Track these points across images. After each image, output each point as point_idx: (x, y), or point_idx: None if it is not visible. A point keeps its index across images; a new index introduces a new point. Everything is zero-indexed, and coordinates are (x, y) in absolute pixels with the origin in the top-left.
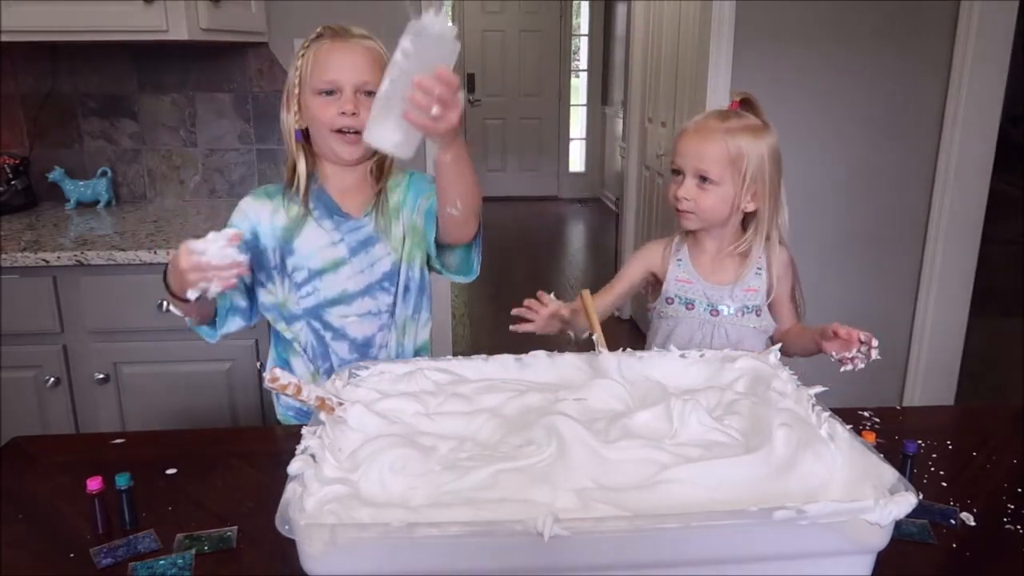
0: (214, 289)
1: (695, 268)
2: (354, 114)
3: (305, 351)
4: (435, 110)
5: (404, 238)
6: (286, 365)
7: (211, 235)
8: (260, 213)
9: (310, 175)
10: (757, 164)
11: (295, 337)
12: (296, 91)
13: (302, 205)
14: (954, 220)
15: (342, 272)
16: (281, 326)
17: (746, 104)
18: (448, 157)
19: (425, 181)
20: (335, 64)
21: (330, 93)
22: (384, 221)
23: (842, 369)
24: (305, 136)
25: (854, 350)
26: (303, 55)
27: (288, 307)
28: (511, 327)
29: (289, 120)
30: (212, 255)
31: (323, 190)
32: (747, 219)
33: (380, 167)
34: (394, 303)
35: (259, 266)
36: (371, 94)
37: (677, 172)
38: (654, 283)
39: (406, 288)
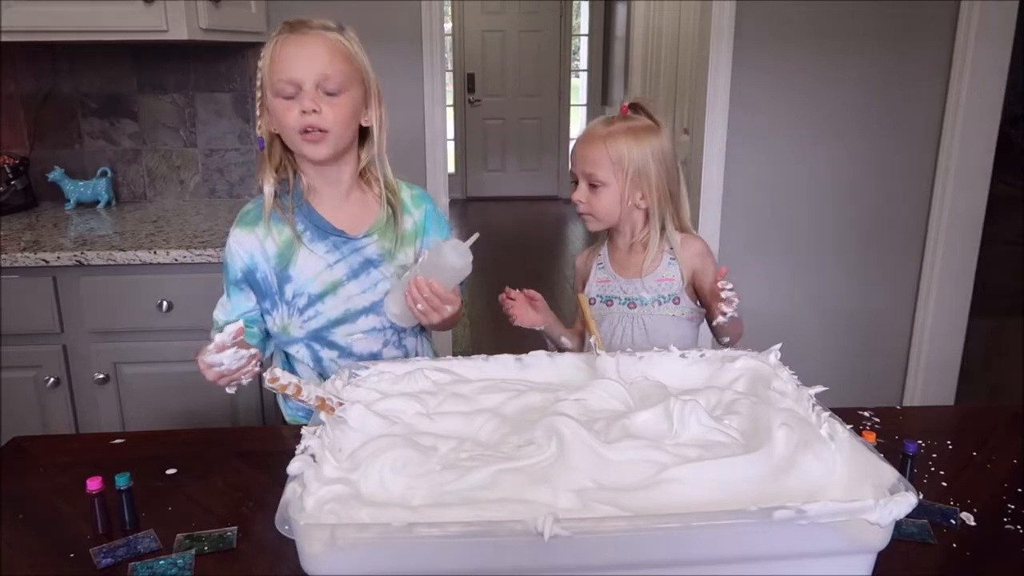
0: (245, 381)
1: (612, 266)
2: (315, 111)
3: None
4: (420, 306)
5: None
6: (293, 371)
7: (217, 338)
8: (250, 246)
9: (291, 185)
10: (639, 164)
11: (295, 357)
12: (259, 94)
13: (289, 228)
14: (954, 220)
15: (342, 293)
16: (283, 348)
17: (635, 108)
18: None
19: (443, 221)
20: (292, 61)
21: (290, 97)
22: (390, 244)
23: (715, 322)
24: (284, 143)
25: (723, 306)
26: (263, 55)
27: (289, 331)
28: (513, 322)
29: (260, 126)
30: (229, 363)
31: (310, 208)
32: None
33: (374, 176)
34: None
35: (261, 296)
36: (334, 93)
37: (574, 178)
38: None
39: None
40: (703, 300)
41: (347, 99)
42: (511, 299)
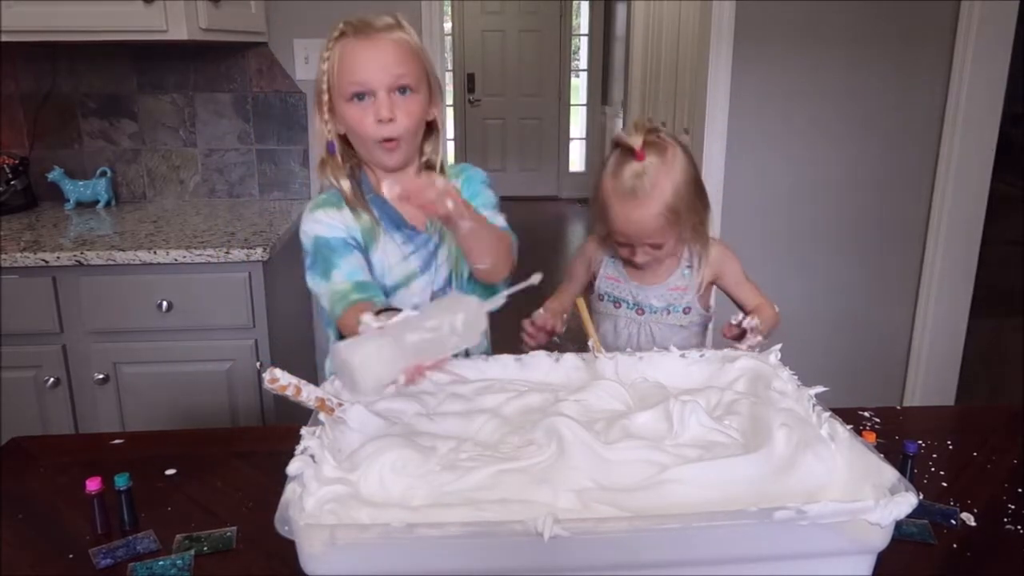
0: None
1: (626, 269)
2: (391, 120)
3: None
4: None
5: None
6: None
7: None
8: (340, 221)
9: (358, 182)
10: (688, 206)
11: None
12: (326, 97)
13: (368, 216)
14: (954, 220)
15: (414, 286)
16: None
17: (651, 135)
18: (463, 229)
19: (478, 182)
20: (362, 65)
21: (361, 97)
22: (438, 224)
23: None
24: (345, 141)
25: (746, 342)
26: (328, 57)
27: None
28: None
29: (322, 129)
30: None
31: (382, 199)
32: None
33: (429, 167)
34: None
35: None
36: (405, 90)
37: (623, 243)
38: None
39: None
40: (730, 297)
41: (418, 99)
42: (531, 334)
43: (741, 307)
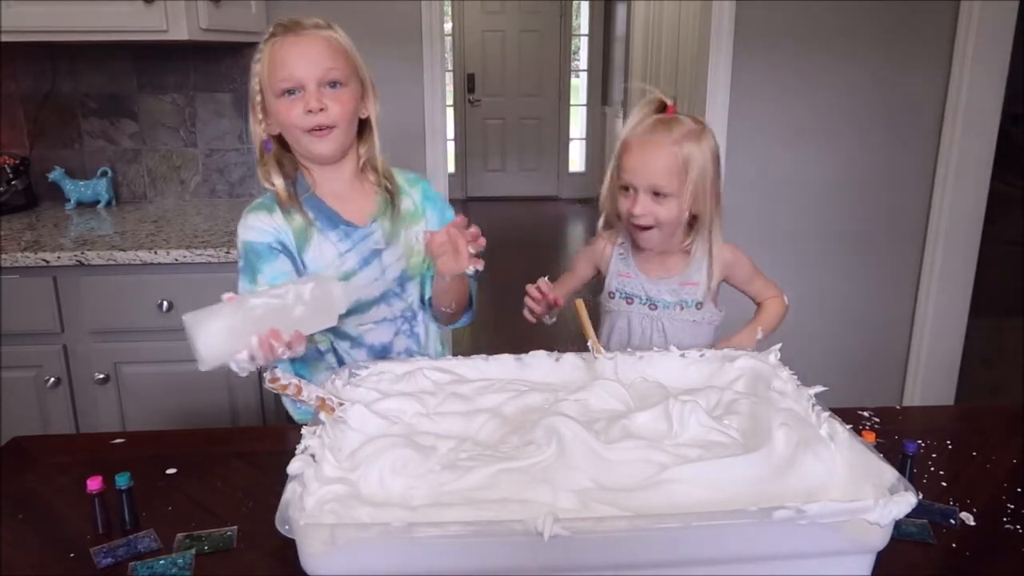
0: (298, 349)
1: (636, 263)
2: (322, 109)
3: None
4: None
5: (414, 250)
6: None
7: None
8: (271, 225)
9: (294, 182)
10: (701, 169)
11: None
12: (259, 98)
13: (301, 216)
14: (954, 220)
15: (354, 283)
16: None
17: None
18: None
19: (438, 204)
20: (292, 60)
21: (292, 92)
22: (393, 227)
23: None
24: (281, 143)
25: None
26: (259, 58)
27: None
28: (527, 315)
29: (257, 130)
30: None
31: (318, 199)
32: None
33: (372, 166)
34: (409, 307)
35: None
36: (335, 85)
37: (626, 188)
38: (600, 278)
39: (420, 297)
40: (743, 292)
41: (349, 92)
42: (536, 298)
43: (754, 301)
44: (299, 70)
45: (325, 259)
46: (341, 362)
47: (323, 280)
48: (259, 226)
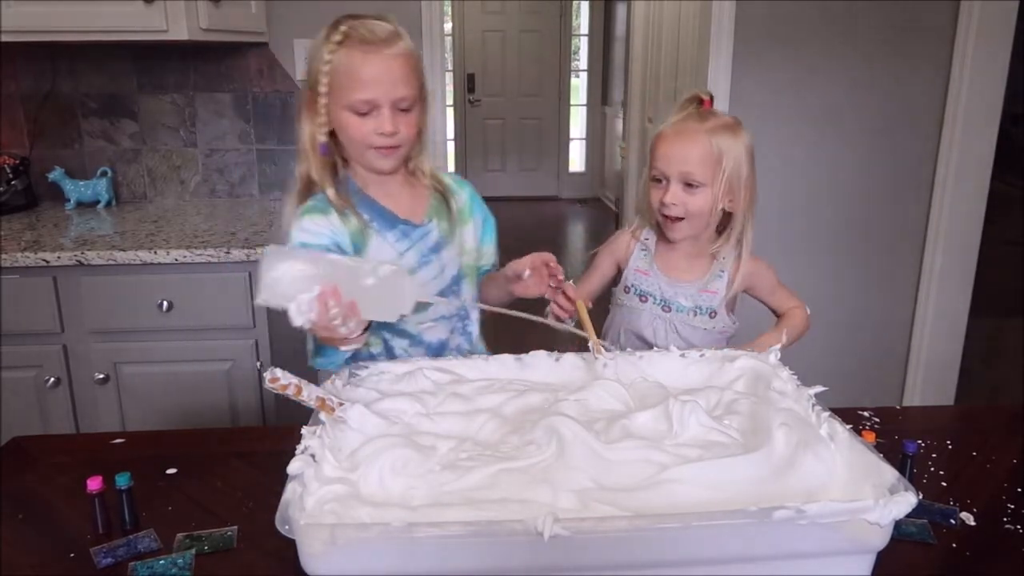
0: (350, 325)
1: (657, 262)
2: (394, 133)
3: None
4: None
5: (465, 249)
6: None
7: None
8: (327, 228)
9: (342, 181)
10: (735, 163)
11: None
12: (324, 100)
13: (357, 218)
14: (954, 220)
15: (421, 284)
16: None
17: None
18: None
19: (482, 206)
20: (372, 81)
21: (364, 114)
22: (448, 225)
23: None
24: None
25: None
26: (329, 60)
27: None
28: (547, 321)
29: (314, 131)
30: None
31: (370, 199)
32: (721, 221)
33: (420, 168)
34: (463, 306)
35: None
36: (406, 111)
37: (658, 179)
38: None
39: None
40: (765, 303)
41: (416, 113)
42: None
43: (774, 312)
44: (378, 92)
45: (385, 258)
46: None
47: (399, 271)
48: (315, 229)
